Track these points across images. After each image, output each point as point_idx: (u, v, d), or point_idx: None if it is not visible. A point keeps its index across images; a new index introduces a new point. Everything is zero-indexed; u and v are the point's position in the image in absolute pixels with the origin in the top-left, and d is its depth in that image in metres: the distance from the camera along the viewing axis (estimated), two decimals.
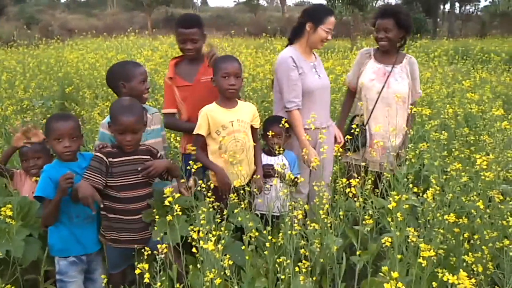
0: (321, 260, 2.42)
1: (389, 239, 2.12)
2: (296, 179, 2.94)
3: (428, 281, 2.18)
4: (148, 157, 2.70)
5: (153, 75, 7.61)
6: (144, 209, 2.63)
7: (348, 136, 3.32)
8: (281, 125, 3.03)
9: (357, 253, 2.55)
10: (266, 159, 3.25)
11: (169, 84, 3.43)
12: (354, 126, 3.33)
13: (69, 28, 19.47)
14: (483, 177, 2.71)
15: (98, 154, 2.59)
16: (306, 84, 3.32)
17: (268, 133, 3.19)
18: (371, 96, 3.58)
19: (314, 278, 2.29)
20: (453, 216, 2.42)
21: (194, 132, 2.98)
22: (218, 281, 1.99)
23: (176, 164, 2.87)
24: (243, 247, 2.42)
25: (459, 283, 1.71)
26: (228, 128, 2.95)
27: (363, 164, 3.07)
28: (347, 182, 2.61)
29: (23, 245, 2.49)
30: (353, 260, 2.65)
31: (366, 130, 3.58)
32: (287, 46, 3.52)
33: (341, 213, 2.67)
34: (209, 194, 2.45)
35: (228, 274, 2.04)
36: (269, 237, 2.37)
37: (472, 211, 2.64)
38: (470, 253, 2.37)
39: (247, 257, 2.34)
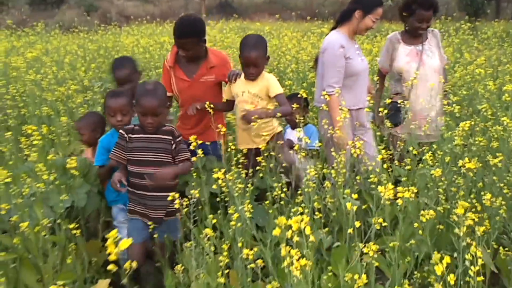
0: (333, 214, 2.73)
1: (400, 202, 2.39)
2: (314, 151, 3.30)
3: (430, 232, 2.45)
4: (169, 137, 2.77)
5: None
6: (161, 187, 2.68)
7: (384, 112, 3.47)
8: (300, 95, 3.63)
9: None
10: (290, 133, 3.63)
11: (167, 69, 3.51)
12: (392, 103, 3.65)
13: (126, 15, 20.30)
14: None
15: (121, 131, 2.80)
16: (353, 67, 3.50)
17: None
18: (410, 76, 3.81)
19: (327, 230, 2.61)
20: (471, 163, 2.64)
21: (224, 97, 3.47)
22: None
23: (187, 164, 2.83)
24: (267, 202, 2.77)
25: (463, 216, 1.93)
26: (239, 97, 3.35)
27: (402, 136, 3.46)
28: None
29: (85, 197, 2.96)
30: (369, 221, 2.95)
31: (406, 106, 3.71)
32: (332, 29, 3.69)
33: (358, 177, 2.98)
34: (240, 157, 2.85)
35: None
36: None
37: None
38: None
39: (270, 211, 2.70)
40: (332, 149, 3.25)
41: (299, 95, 3.75)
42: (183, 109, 3.57)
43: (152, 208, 2.77)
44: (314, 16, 17.35)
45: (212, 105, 3.17)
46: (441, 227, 2.58)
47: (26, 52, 8.35)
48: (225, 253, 2.05)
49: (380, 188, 2.13)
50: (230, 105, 3.51)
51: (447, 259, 1.48)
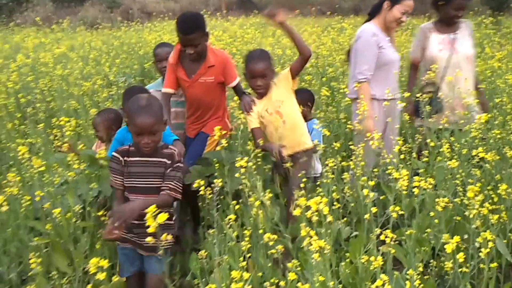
0: (352, 205, 2.80)
1: (416, 191, 2.45)
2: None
3: (447, 223, 2.51)
4: (168, 161, 2.45)
5: None
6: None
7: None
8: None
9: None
10: None
11: (172, 65, 3.40)
12: (424, 94, 3.62)
13: (147, 11, 20.52)
14: None
15: (114, 154, 2.50)
16: (385, 58, 3.56)
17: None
18: (442, 64, 3.82)
19: (345, 220, 2.69)
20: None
21: (251, 127, 3.20)
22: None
23: (163, 198, 2.41)
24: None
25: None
26: (266, 117, 3.16)
27: (440, 127, 3.45)
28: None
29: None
30: (387, 212, 3.02)
31: (440, 96, 3.78)
32: (365, 22, 3.74)
33: (375, 169, 3.05)
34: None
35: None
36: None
37: None
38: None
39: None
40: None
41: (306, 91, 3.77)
42: (188, 107, 3.55)
43: (141, 236, 2.40)
44: (334, 11, 17.28)
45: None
46: (458, 218, 2.63)
47: (53, 48, 8.59)
48: (246, 239, 2.15)
49: (396, 174, 2.20)
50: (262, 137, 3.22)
51: (456, 239, 1.55)
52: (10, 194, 2.65)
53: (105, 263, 1.70)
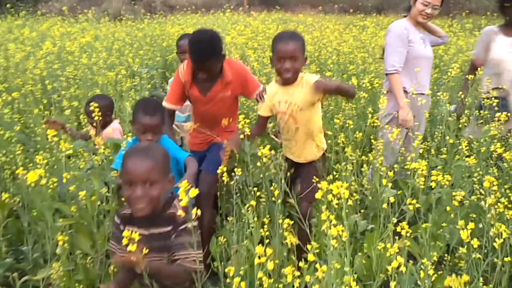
0: (370, 198, 2.84)
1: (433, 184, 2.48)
2: None
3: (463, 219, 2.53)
4: (168, 228, 1.91)
5: (243, 49, 8.21)
6: None
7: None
8: None
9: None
10: None
11: (181, 82, 3.08)
12: (492, 98, 3.61)
13: (170, 5, 20.69)
14: None
15: (116, 219, 2.05)
16: (414, 53, 3.62)
17: None
18: (509, 67, 3.80)
19: (362, 212, 2.73)
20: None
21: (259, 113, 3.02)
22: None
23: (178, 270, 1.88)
24: None
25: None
26: (276, 107, 2.91)
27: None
28: None
29: None
30: (404, 208, 3.05)
31: (508, 101, 3.78)
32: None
33: (396, 166, 3.08)
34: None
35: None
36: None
37: None
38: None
39: None
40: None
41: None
42: (197, 120, 3.27)
43: None
44: (357, 9, 17.23)
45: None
46: (474, 215, 2.65)
47: (78, 37, 8.76)
48: (265, 227, 2.21)
49: (414, 164, 2.24)
50: (263, 126, 3.11)
51: (471, 225, 1.59)
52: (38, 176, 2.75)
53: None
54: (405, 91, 3.62)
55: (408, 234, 2.06)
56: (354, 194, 2.80)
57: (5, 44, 7.99)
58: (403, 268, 1.53)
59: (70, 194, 2.86)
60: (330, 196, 1.41)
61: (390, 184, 2.57)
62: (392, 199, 2.18)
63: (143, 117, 2.65)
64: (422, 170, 2.47)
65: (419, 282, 1.87)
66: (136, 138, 2.73)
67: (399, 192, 2.84)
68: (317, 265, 1.43)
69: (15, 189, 3.02)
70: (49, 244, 2.79)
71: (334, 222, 1.37)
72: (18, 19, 11.45)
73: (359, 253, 2.40)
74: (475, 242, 1.54)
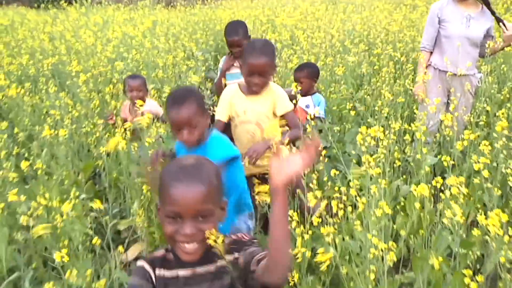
0: (411, 164, 3.09)
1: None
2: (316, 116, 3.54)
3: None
4: (218, 265, 1.43)
5: (293, 31, 8.46)
6: None
7: None
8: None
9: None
10: (300, 100, 3.93)
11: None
12: None
13: None
14: None
15: (140, 263, 1.47)
16: (445, 31, 3.80)
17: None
18: None
19: (404, 177, 2.98)
20: None
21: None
22: None
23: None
24: None
25: None
26: (239, 117, 2.82)
27: None
28: None
29: None
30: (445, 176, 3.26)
31: None
32: None
33: (438, 134, 3.31)
34: None
35: None
36: None
37: None
38: None
39: None
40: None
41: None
42: None
43: None
44: None
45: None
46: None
47: (138, 23, 9.31)
48: None
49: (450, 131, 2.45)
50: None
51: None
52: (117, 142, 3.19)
53: None
54: (435, 68, 3.86)
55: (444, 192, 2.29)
56: (396, 161, 3.05)
57: (75, 30, 8.64)
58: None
59: (142, 159, 3.28)
60: (369, 139, 1.69)
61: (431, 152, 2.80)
62: (428, 169, 2.39)
63: (170, 112, 2.18)
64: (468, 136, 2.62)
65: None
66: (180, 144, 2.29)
67: (439, 157, 3.03)
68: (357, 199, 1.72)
69: (98, 154, 3.48)
70: (126, 202, 3.24)
71: (372, 162, 1.65)
72: (81, 8, 12.18)
73: (401, 213, 2.64)
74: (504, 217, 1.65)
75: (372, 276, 1.73)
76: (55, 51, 6.79)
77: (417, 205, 2.28)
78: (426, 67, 3.95)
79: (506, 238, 1.71)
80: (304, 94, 3.96)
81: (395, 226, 2.41)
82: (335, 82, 5.21)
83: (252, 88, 2.74)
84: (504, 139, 2.28)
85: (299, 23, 9.11)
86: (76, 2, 12.80)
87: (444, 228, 2.31)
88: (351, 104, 4.56)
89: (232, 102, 2.83)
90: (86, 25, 9.24)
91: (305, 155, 1.26)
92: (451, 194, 2.48)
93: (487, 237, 1.79)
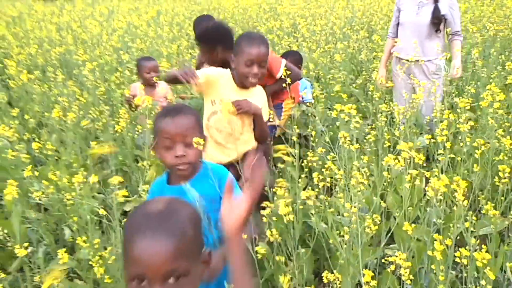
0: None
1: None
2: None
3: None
4: None
5: (295, 18, 8.55)
6: None
7: None
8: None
9: None
10: None
11: None
12: None
13: None
14: None
15: None
16: (400, 19, 3.94)
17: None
18: None
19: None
20: None
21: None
22: None
23: None
24: None
25: None
26: (216, 105, 2.62)
27: None
28: None
29: None
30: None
31: None
32: None
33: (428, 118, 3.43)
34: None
35: None
36: None
37: None
38: None
39: None
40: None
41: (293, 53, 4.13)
42: None
43: None
44: None
45: None
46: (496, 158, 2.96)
47: (143, 13, 9.45)
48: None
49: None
50: None
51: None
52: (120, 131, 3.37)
53: None
54: (394, 55, 4.02)
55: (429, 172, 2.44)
56: (386, 142, 3.19)
57: (82, 20, 8.81)
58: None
59: (145, 144, 3.44)
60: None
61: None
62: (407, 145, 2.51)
63: (162, 122, 1.67)
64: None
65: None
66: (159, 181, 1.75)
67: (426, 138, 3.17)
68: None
69: (104, 138, 3.65)
70: (134, 183, 3.41)
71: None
72: None
73: (390, 190, 2.78)
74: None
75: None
76: (62, 41, 6.96)
77: (406, 183, 2.43)
78: (390, 54, 4.10)
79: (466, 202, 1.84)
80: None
81: (383, 204, 2.55)
82: (334, 68, 5.34)
83: (250, 80, 2.56)
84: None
85: (301, 11, 9.21)
86: None
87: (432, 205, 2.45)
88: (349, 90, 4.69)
89: (221, 85, 2.58)
90: (92, 15, 9.39)
91: (247, 197, 1.17)
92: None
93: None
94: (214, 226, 1.54)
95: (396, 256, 1.59)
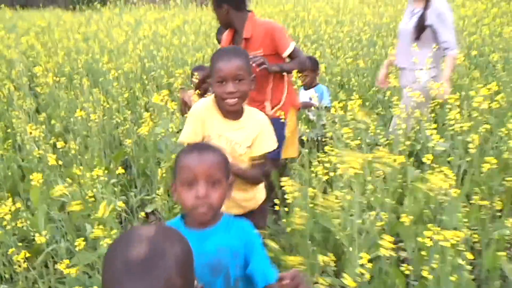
0: (418, 148, 3.23)
1: None
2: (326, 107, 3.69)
3: None
4: None
5: (321, 26, 8.59)
6: None
7: None
8: None
9: None
10: (302, 94, 4.11)
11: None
12: None
13: None
14: None
15: None
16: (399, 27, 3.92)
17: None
18: None
19: (412, 160, 3.12)
20: None
21: (179, 140, 2.28)
22: None
23: None
24: None
25: None
26: (214, 141, 2.09)
27: None
28: None
29: None
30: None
31: None
32: None
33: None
34: None
35: None
36: None
37: None
38: None
39: None
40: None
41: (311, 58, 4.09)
42: None
43: None
44: None
45: None
46: None
47: (169, 22, 9.63)
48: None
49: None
50: None
51: None
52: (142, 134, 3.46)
53: None
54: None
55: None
56: (402, 145, 3.18)
57: (109, 29, 9.05)
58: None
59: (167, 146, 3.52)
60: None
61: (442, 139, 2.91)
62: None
63: (220, 61, 2.06)
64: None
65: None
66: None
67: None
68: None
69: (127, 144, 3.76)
70: (153, 186, 3.50)
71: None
72: (116, 8, 12.67)
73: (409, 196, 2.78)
74: None
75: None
76: (89, 50, 7.17)
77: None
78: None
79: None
80: (308, 87, 4.17)
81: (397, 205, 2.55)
82: (359, 75, 5.35)
83: (228, 102, 2.03)
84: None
85: (329, 18, 9.25)
86: (110, 2, 13.30)
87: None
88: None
89: (207, 119, 2.12)
90: (118, 25, 9.64)
91: None
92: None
93: None
94: (233, 283, 1.41)
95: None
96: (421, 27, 3.62)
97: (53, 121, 4.19)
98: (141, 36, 7.92)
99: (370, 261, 1.77)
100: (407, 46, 3.69)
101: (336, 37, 7.19)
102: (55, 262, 2.43)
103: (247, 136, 2.10)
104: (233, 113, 2.09)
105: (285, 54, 2.99)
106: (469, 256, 1.83)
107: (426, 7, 3.60)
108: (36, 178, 2.37)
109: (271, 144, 2.16)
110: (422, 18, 3.61)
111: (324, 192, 2.47)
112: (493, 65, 4.97)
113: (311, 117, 4.02)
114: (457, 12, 7.82)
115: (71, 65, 6.33)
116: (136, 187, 3.68)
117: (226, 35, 3.14)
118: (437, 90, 3.31)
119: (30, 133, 3.11)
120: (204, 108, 2.14)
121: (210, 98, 2.16)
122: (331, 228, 2.17)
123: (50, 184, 2.84)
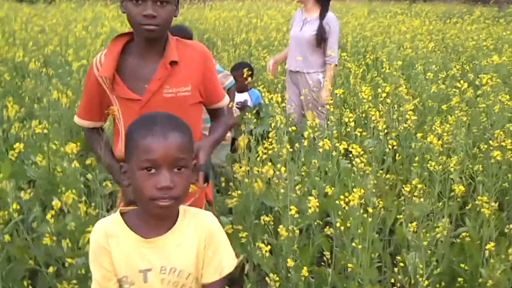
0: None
1: None
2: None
3: None
4: None
5: (271, 32, 9.04)
6: None
7: None
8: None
9: None
10: (237, 96, 4.30)
11: (97, 82, 1.78)
12: None
13: None
14: None
15: None
16: (290, 33, 4.46)
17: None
18: None
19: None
20: None
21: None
22: None
23: None
24: None
25: None
26: (137, 283, 1.28)
27: None
28: None
29: None
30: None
31: None
32: None
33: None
34: None
35: None
36: None
37: None
38: None
39: None
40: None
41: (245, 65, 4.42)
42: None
43: None
44: None
45: None
46: None
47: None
48: None
49: None
50: None
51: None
52: None
53: None
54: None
55: None
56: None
57: (66, 25, 9.11)
58: None
59: None
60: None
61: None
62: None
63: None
64: None
65: None
66: None
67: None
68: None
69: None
70: None
71: None
72: (72, 3, 12.59)
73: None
74: None
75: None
76: (48, 42, 7.26)
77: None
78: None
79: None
80: (241, 90, 4.35)
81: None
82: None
83: (158, 203, 1.21)
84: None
85: (280, 26, 9.72)
86: None
87: None
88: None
89: (113, 252, 1.28)
90: (75, 20, 9.70)
91: None
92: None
93: None
94: None
95: None
96: (322, 37, 4.14)
97: (16, 107, 4.36)
98: (100, 31, 8.07)
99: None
100: (301, 52, 4.17)
101: (286, 44, 7.65)
102: (22, 232, 2.63)
103: (183, 250, 1.30)
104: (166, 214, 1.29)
105: (218, 105, 1.95)
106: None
107: (322, 18, 4.11)
108: (18, 147, 2.56)
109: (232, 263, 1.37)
110: (321, 28, 4.12)
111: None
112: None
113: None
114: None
115: (29, 56, 6.42)
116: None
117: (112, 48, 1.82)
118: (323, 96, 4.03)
119: None
120: (109, 235, 1.28)
121: (116, 216, 1.31)
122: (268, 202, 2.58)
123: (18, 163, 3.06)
